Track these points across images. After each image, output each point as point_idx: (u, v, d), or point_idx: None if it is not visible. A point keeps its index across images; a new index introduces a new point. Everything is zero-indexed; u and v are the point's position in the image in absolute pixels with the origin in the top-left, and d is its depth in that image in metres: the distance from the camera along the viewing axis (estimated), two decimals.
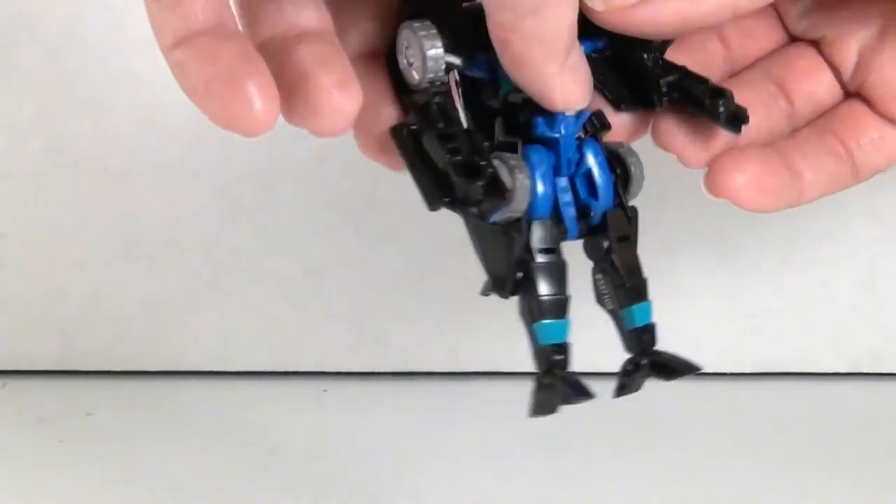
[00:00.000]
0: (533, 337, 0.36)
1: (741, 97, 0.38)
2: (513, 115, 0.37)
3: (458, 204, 0.34)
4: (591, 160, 0.37)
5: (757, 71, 0.42)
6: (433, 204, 0.34)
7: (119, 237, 0.61)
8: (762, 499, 0.50)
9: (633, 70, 0.38)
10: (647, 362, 0.37)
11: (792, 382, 0.61)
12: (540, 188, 0.36)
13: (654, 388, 0.61)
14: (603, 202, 0.37)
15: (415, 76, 0.36)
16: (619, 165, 0.37)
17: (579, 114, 0.36)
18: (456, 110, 0.36)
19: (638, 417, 0.57)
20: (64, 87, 0.60)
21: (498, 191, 0.34)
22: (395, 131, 0.36)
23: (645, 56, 0.38)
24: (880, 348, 0.61)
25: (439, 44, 0.35)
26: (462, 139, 0.34)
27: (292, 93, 0.34)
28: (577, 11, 0.34)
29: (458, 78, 0.37)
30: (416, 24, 0.36)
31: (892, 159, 0.41)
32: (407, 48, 0.36)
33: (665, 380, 0.37)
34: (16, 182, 0.61)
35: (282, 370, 0.62)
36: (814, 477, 0.51)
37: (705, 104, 0.37)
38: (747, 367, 0.61)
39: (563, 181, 0.37)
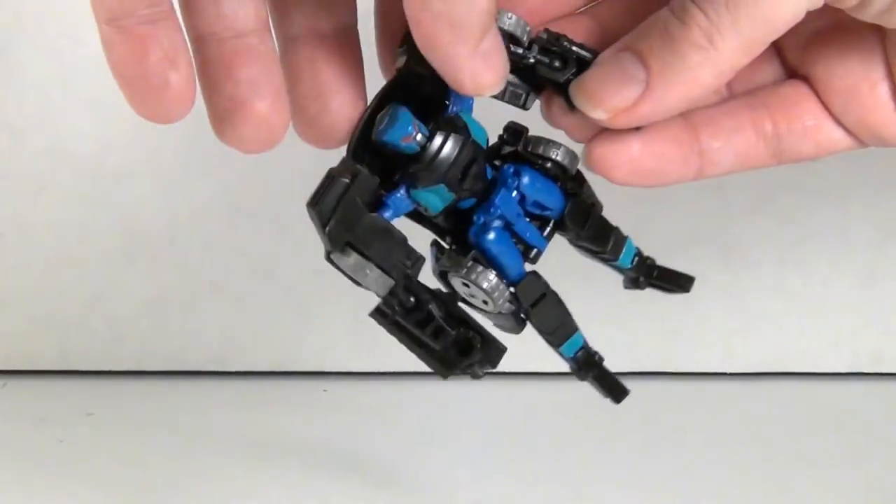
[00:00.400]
0: (562, 356, 0.40)
1: None
2: (457, 218, 0.38)
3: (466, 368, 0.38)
4: (531, 191, 0.38)
5: None
6: (445, 377, 0.38)
7: (119, 237, 0.61)
8: (763, 498, 0.50)
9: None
10: (644, 280, 0.41)
11: (792, 382, 0.61)
12: (510, 267, 0.38)
13: (654, 388, 0.61)
14: (556, 210, 0.39)
15: (386, 284, 0.37)
16: (549, 161, 0.38)
17: (506, 180, 0.37)
18: (416, 283, 0.37)
19: (638, 417, 0.57)
20: (64, 87, 0.60)
21: (493, 347, 0.38)
22: (379, 318, 0.37)
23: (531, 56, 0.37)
24: (880, 348, 0.61)
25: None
26: (436, 310, 0.37)
27: (225, 116, 0.36)
28: None
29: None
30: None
31: (820, 151, 0.39)
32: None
33: (666, 293, 0.42)
34: (16, 182, 0.61)
35: (282, 370, 0.62)
36: (814, 476, 0.51)
37: None
38: (747, 367, 0.61)
39: (517, 216, 0.38)
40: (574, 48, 0.37)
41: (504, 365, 0.61)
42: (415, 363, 0.56)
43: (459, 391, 0.58)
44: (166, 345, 0.62)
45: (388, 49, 0.38)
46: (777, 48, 0.40)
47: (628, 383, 0.61)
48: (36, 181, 0.61)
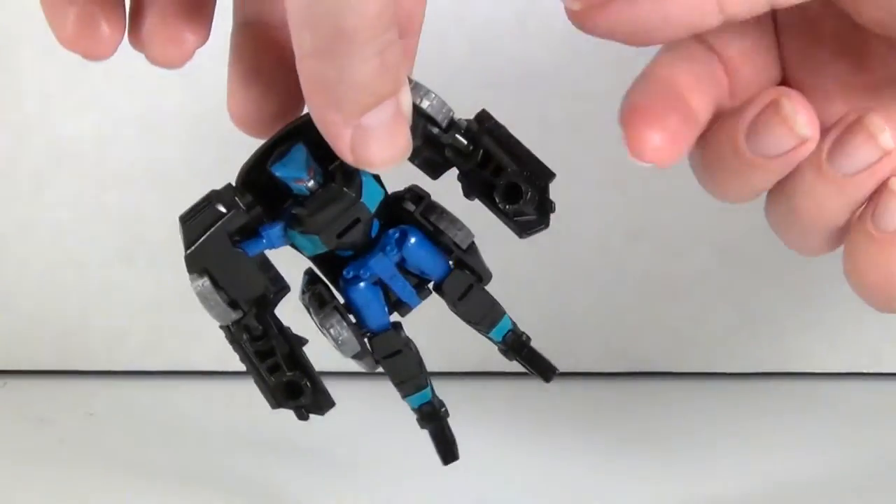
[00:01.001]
0: (408, 404, 0.42)
1: None
2: (332, 262, 0.39)
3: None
4: (414, 256, 0.38)
5: None
6: (275, 408, 0.40)
7: (119, 237, 0.61)
8: (762, 498, 0.50)
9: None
10: (510, 353, 0.42)
11: (792, 382, 0.61)
12: (372, 319, 0.39)
13: (654, 388, 0.61)
14: (436, 277, 0.39)
15: (228, 316, 0.38)
16: (442, 234, 0.38)
17: (385, 247, 0.38)
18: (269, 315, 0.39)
19: (638, 418, 0.57)
20: (64, 87, 0.60)
21: (322, 398, 0.41)
22: (225, 332, 0.39)
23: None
24: (880, 348, 0.61)
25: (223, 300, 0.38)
26: (279, 346, 0.39)
27: (136, 19, 0.35)
28: (375, 67, 0.31)
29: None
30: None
31: None
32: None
33: (528, 372, 0.42)
34: (16, 182, 0.61)
35: None
36: (813, 476, 0.51)
37: (498, 205, 0.37)
38: (747, 367, 0.61)
39: (392, 277, 0.38)
40: (490, 143, 0.37)
41: (504, 365, 0.62)
42: None
43: (459, 391, 0.58)
44: (166, 345, 0.62)
45: (240, 83, 0.37)
46: None
47: (628, 383, 0.61)
48: (36, 181, 0.61)
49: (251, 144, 0.38)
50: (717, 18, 0.34)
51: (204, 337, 0.62)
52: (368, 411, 0.57)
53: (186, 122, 0.60)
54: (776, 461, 0.52)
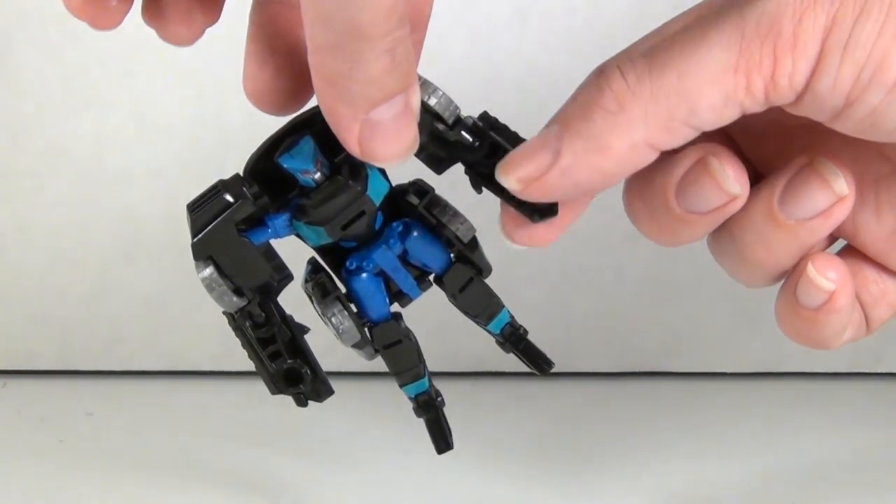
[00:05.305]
0: (405, 393, 0.42)
1: None
2: (336, 252, 0.39)
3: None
4: (416, 249, 0.39)
5: None
6: (274, 394, 0.41)
7: (119, 237, 0.61)
8: (761, 498, 0.50)
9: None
10: (507, 346, 0.42)
11: (792, 382, 0.61)
12: (373, 309, 0.39)
13: (654, 388, 0.61)
14: (438, 269, 0.40)
15: (233, 304, 0.39)
16: (444, 228, 0.39)
17: (389, 240, 0.38)
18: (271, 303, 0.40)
19: (638, 418, 0.57)
20: (64, 87, 0.60)
21: (321, 386, 0.41)
22: (229, 318, 0.40)
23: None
24: (880, 348, 0.61)
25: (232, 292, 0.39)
26: (280, 333, 0.40)
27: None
28: (386, 63, 0.32)
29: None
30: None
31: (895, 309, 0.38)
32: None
33: (525, 365, 0.42)
34: (16, 182, 0.61)
35: None
36: (813, 476, 0.51)
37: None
38: (747, 367, 0.61)
39: (395, 269, 0.39)
40: (496, 136, 0.36)
41: (504, 365, 0.62)
42: None
43: (460, 391, 0.58)
44: (166, 345, 0.62)
45: (255, 60, 0.37)
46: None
47: (628, 383, 0.62)
48: (36, 181, 0.61)
49: (250, 146, 0.38)
50: (652, 156, 0.34)
51: (203, 337, 0.62)
52: (367, 411, 0.57)
53: (186, 123, 0.60)
54: (776, 460, 0.53)
